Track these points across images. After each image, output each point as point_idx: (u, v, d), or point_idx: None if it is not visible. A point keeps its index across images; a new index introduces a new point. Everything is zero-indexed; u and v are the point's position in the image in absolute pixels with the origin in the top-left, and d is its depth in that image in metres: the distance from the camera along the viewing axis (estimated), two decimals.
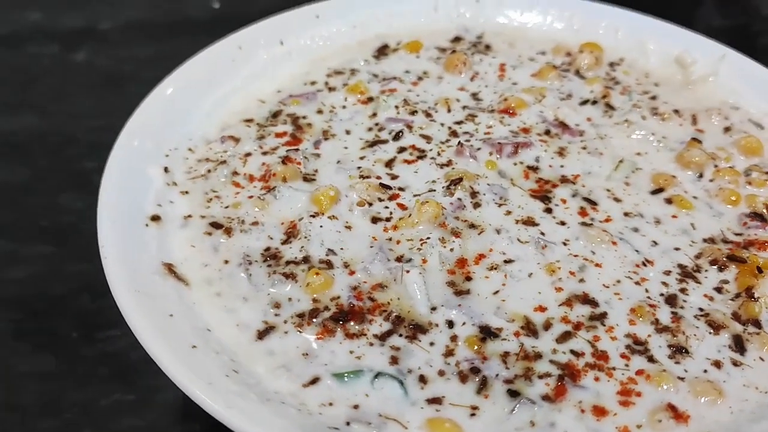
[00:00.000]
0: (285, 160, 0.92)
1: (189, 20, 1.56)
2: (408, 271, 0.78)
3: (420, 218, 0.84)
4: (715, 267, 0.81)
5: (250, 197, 0.88)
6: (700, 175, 0.94)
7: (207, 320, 0.75)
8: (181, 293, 0.77)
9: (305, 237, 0.83)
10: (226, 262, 0.81)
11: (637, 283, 0.79)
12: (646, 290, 0.79)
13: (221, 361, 0.70)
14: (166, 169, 0.90)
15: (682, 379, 0.71)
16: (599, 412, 0.68)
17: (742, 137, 0.98)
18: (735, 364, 0.73)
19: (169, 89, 0.97)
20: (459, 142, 0.95)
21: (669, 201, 0.90)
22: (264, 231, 0.84)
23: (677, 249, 0.84)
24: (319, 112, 1.02)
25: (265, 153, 0.95)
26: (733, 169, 0.93)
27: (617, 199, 0.90)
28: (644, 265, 0.81)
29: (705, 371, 0.72)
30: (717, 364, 0.72)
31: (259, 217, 0.86)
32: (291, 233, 0.84)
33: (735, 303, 0.78)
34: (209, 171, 0.92)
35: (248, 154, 0.95)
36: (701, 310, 0.77)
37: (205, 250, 0.82)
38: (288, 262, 0.80)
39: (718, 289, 0.80)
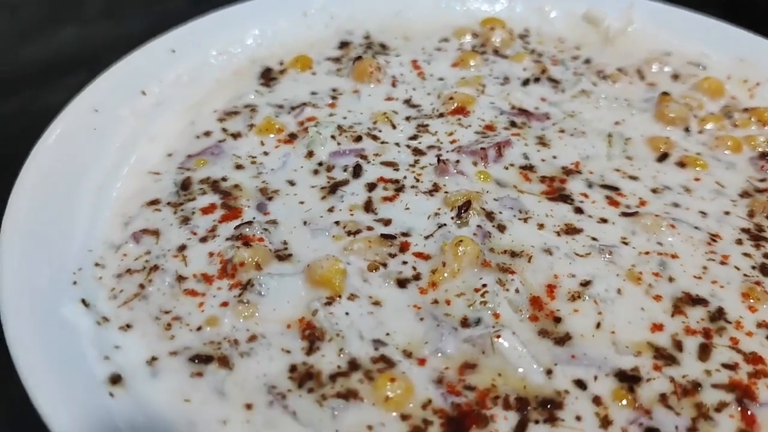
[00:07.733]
0: (242, 239, 0.67)
1: None
2: (499, 336, 0.59)
3: (460, 264, 0.65)
4: None
5: (224, 305, 0.63)
6: (687, 129, 0.86)
7: None
8: None
9: (337, 335, 0.60)
10: (249, 407, 0.56)
11: (722, 263, 0.69)
12: (737, 268, 0.68)
13: None
14: (84, 303, 0.61)
15: None
16: None
17: (700, 81, 0.92)
18: None
19: (28, 181, 0.68)
20: (439, 160, 0.77)
21: (681, 165, 0.80)
22: (272, 344, 0.60)
23: (727, 213, 0.74)
24: (239, 167, 0.78)
25: (204, 239, 0.69)
26: (715, 115, 0.87)
27: (633, 177, 0.78)
28: (713, 241, 0.71)
29: None
30: None
31: (254, 328, 0.61)
32: (312, 336, 0.60)
33: None
34: (143, 287, 0.64)
35: (182, 248, 0.68)
36: None
37: (209, 400, 0.56)
38: (333, 377, 0.57)
39: None
